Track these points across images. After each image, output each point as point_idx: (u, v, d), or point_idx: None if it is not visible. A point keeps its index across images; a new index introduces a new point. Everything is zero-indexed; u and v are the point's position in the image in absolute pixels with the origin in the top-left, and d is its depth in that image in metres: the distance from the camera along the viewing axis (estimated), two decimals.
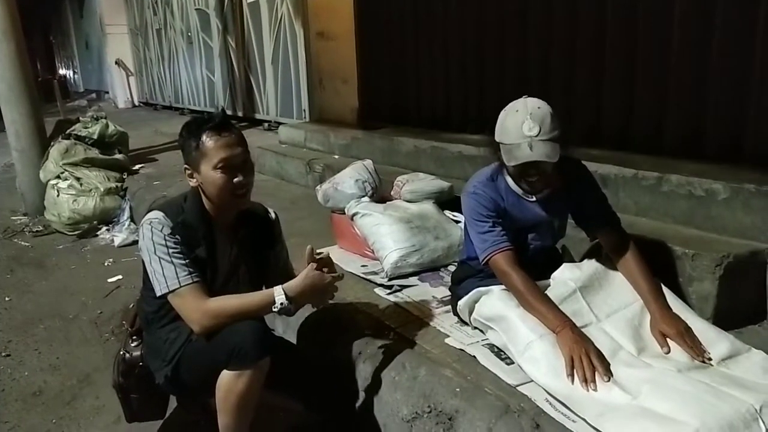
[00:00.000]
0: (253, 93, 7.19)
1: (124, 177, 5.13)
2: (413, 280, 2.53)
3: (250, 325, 1.63)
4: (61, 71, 22.59)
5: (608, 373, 1.60)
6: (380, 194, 2.96)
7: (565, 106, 3.17)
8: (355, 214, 2.77)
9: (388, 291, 2.42)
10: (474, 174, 2.02)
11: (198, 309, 1.63)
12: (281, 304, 1.63)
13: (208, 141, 1.65)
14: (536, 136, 1.73)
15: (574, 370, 1.61)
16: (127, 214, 4.56)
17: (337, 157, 4.43)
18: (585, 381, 1.58)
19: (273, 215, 1.99)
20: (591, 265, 1.94)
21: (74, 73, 19.81)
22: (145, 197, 4.54)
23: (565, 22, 3.19)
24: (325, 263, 1.75)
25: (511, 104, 1.84)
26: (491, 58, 3.72)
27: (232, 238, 1.82)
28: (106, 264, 3.86)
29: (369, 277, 2.57)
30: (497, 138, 1.84)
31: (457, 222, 2.76)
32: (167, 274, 1.64)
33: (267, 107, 6.88)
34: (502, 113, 1.85)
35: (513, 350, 1.78)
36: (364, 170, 2.94)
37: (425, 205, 2.82)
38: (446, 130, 3.99)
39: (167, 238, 1.66)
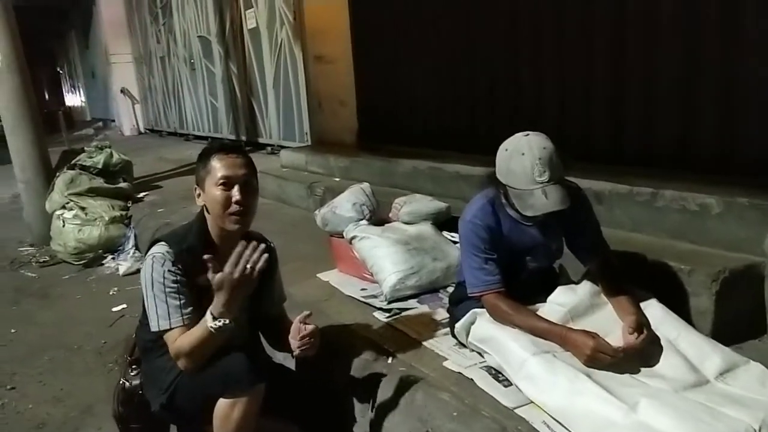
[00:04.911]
0: (255, 117, 7.25)
1: (129, 205, 5.18)
2: (412, 302, 2.53)
3: (241, 353, 1.67)
4: (69, 100, 22.93)
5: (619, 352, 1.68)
6: (378, 216, 2.98)
7: (557, 121, 3.21)
8: (353, 238, 2.78)
9: (387, 315, 2.43)
10: (473, 198, 2.02)
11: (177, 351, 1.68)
12: (212, 326, 1.60)
13: (214, 160, 1.74)
14: (548, 181, 1.72)
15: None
16: (131, 242, 4.60)
17: (337, 179, 4.46)
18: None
19: (272, 244, 2.02)
20: (585, 290, 1.93)
21: (81, 102, 20.09)
22: (149, 224, 4.58)
23: (555, 38, 3.23)
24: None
25: (513, 143, 1.80)
26: (484, 77, 3.76)
27: None
28: (111, 293, 3.89)
29: (368, 300, 2.58)
30: (503, 179, 1.82)
31: (455, 242, 2.76)
32: (160, 313, 1.69)
33: (270, 131, 6.94)
34: (504, 153, 1.81)
35: (508, 370, 1.78)
36: (361, 193, 2.96)
37: (423, 226, 2.84)
38: (444, 149, 4.02)
39: (166, 275, 1.70)
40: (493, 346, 1.84)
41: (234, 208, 1.72)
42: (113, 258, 4.52)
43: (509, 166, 1.79)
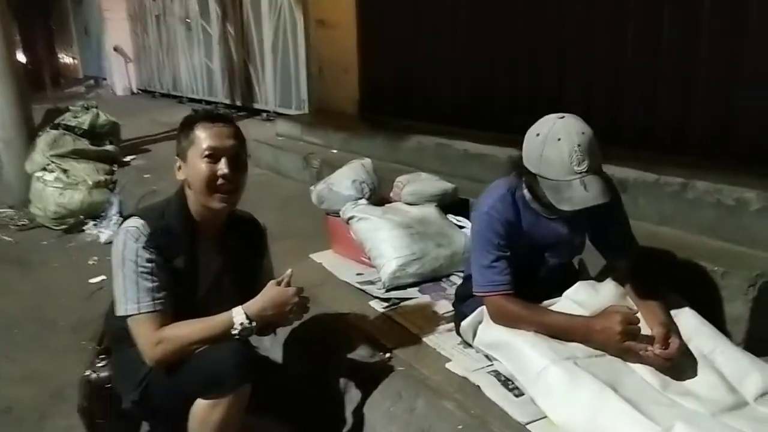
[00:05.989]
0: (251, 82, 6.97)
1: (114, 169, 4.93)
2: (413, 291, 2.33)
3: (227, 348, 1.48)
4: (62, 57, 22.38)
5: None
6: (379, 195, 2.76)
7: (583, 100, 2.96)
8: (351, 218, 2.57)
9: (385, 304, 2.23)
10: (490, 186, 1.80)
11: (150, 340, 1.49)
12: (241, 324, 1.49)
13: (199, 129, 1.55)
14: (587, 171, 1.50)
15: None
16: (115, 208, 4.36)
17: (335, 151, 4.22)
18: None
19: (262, 225, 1.84)
20: (609, 291, 1.73)
21: (74, 59, 19.57)
22: (135, 191, 4.36)
23: (582, 10, 2.96)
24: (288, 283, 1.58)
25: (546, 127, 1.57)
26: (502, 49, 3.48)
27: (218, 247, 1.67)
28: (90, 262, 3.67)
29: (365, 287, 2.38)
30: (534, 168, 1.59)
31: (462, 227, 2.56)
32: (129, 296, 1.50)
33: (266, 97, 6.67)
34: (536, 138, 1.57)
35: (522, 380, 1.60)
36: (362, 170, 2.73)
37: (427, 208, 2.62)
38: (453, 125, 3.77)
39: (140, 252, 1.51)
40: (504, 352, 1.65)
41: (220, 183, 1.53)
42: (95, 225, 4.30)
43: (543, 153, 1.55)
